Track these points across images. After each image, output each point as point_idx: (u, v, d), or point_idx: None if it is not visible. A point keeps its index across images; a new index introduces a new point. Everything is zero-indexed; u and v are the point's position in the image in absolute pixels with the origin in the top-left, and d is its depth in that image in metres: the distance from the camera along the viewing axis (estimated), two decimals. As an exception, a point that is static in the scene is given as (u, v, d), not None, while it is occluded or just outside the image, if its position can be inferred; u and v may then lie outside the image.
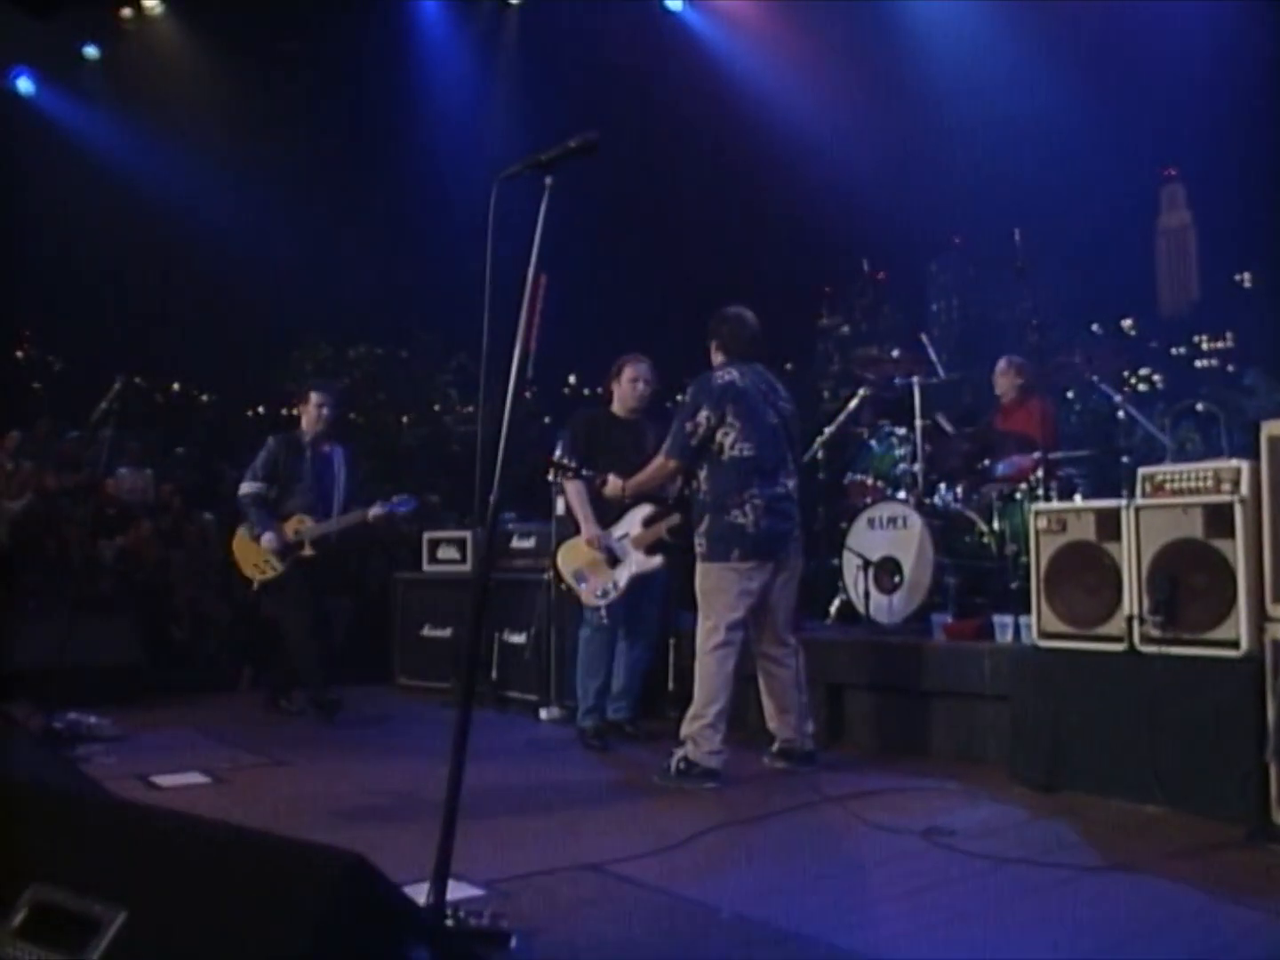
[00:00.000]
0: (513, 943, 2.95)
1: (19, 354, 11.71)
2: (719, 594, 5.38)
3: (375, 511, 7.17)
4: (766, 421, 5.49)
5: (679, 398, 5.69)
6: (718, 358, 5.69)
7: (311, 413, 7.46)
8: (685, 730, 5.30)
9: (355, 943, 1.17)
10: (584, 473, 6.08)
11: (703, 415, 5.41)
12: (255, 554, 7.25)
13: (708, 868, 3.86)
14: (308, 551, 7.19)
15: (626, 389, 6.59)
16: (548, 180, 3.07)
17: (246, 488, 7.31)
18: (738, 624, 5.38)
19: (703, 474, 5.50)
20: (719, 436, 5.41)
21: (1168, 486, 4.81)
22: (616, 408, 6.64)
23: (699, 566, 5.48)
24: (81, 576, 8.13)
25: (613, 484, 5.90)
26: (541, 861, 3.86)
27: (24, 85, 11.50)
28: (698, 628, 5.46)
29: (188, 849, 1.40)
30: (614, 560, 6.32)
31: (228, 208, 10.42)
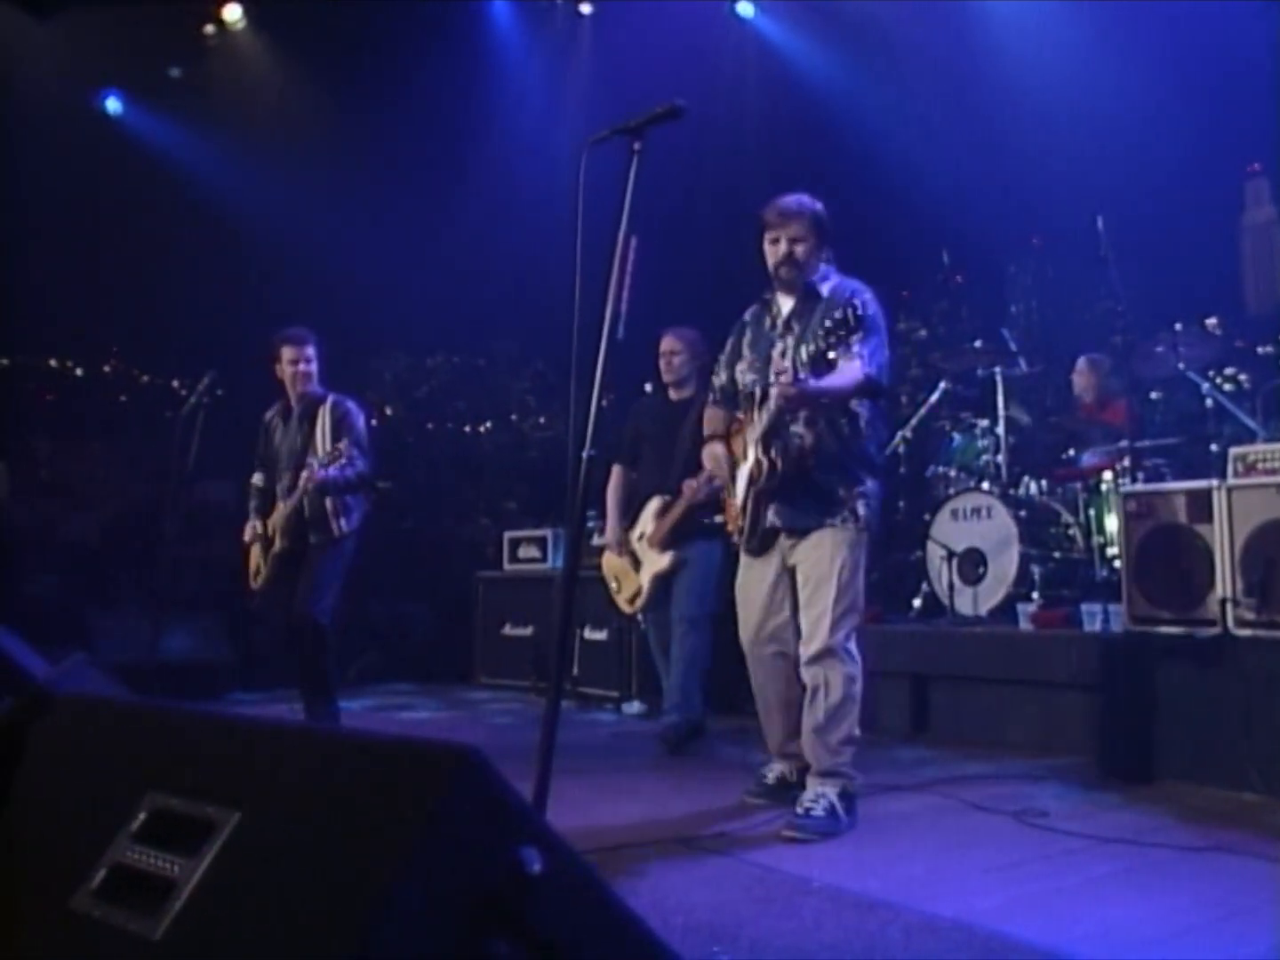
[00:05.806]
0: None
1: (106, 369, 12.03)
2: (860, 570, 4.18)
3: (304, 478, 5.74)
4: None
5: (850, 311, 3.99)
6: (823, 267, 4.44)
7: (285, 372, 6.17)
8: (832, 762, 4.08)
9: (465, 837, 1.19)
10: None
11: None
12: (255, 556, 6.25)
13: (797, 844, 3.83)
14: (277, 545, 6.01)
15: (661, 365, 6.15)
16: (636, 145, 3.08)
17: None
18: None
19: (863, 419, 4.25)
20: None
21: (1260, 466, 4.72)
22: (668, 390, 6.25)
23: (846, 534, 4.11)
24: (169, 577, 8.22)
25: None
26: (630, 836, 3.87)
27: (113, 105, 11.78)
28: (823, 616, 4.07)
29: (299, 751, 1.43)
30: (637, 564, 6.01)
31: (307, 221, 10.55)
